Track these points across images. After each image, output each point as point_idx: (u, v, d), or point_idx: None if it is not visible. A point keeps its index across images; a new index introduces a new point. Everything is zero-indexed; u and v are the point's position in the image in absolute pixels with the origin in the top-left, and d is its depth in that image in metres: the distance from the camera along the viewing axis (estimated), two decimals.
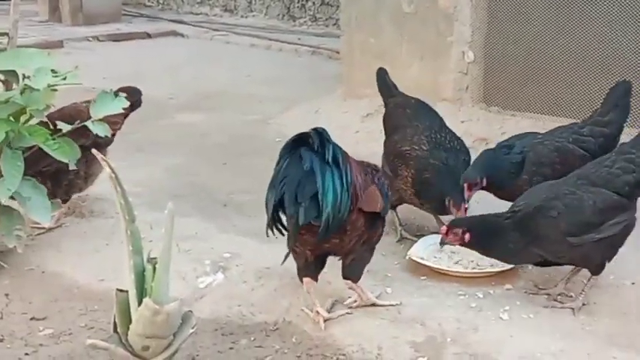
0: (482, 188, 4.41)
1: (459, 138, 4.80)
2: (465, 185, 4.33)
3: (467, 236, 3.84)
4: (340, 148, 3.37)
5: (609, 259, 3.91)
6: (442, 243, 3.96)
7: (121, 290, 2.94)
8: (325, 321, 3.70)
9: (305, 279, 3.65)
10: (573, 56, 5.77)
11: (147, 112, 7.51)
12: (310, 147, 3.29)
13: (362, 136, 6.57)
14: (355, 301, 3.81)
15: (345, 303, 3.84)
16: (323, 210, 3.24)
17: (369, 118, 6.72)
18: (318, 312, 3.71)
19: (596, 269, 3.89)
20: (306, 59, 10.34)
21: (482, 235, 3.84)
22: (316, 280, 3.67)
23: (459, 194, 4.36)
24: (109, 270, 4.09)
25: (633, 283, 4.14)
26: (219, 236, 4.66)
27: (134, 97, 4.89)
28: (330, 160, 3.27)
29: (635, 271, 4.25)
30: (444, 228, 3.93)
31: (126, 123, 6.64)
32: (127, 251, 2.89)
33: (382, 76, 5.26)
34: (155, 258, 2.90)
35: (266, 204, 3.34)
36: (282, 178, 3.25)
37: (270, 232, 3.40)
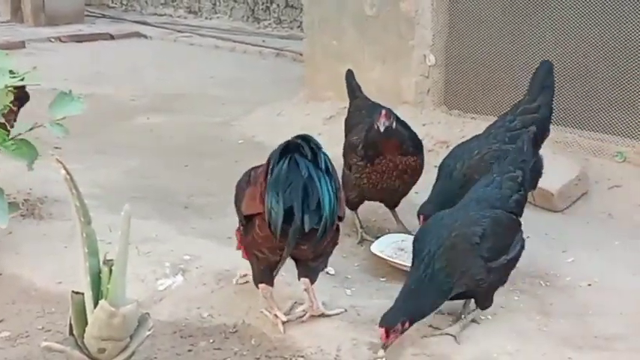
0: None
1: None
2: (421, 217, 4.35)
3: (407, 325, 3.52)
4: (327, 155, 3.39)
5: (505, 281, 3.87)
6: (385, 348, 3.47)
7: (77, 292, 2.92)
8: (284, 323, 3.70)
9: (261, 285, 3.65)
10: (532, 60, 5.81)
11: (108, 114, 7.55)
12: (301, 153, 3.31)
13: (324, 139, 6.41)
14: (304, 312, 3.76)
15: (296, 311, 3.80)
16: (322, 215, 3.28)
17: (332, 120, 6.73)
18: (276, 315, 3.71)
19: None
20: (270, 61, 10.32)
21: (419, 310, 3.57)
22: (272, 285, 3.66)
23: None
24: (67, 272, 4.05)
25: (589, 285, 4.20)
26: (179, 238, 4.64)
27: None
28: (322, 166, 3.31)
29: (590, 273, 4.31)
30: (381, 332, 3.45)
31: (86, 124, 6.64)
32: (82, 253, 2.88)
33: (348, 78, 5.34)
34: (111, 260, 2.88)
35: (270, 212, 3.27)
36: (287, 185, 3.25)
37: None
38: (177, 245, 4.48)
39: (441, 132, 6.21)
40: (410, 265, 4.23)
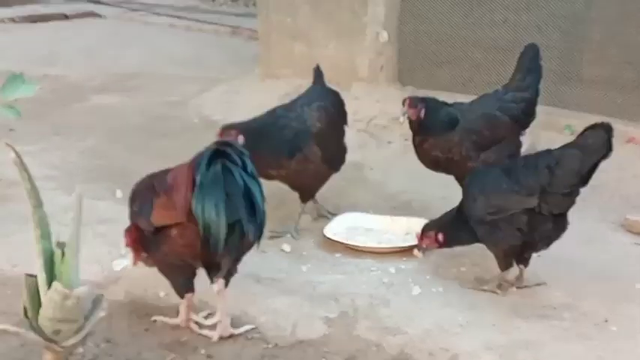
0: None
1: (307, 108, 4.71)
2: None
3: (440, 236, 4.01)
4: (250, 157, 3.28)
5: None
6: (420, 249, 4.12)
7: (30, 275, 2.93)
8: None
9: (187, 295, 3.54)
10: (482, 37, 5.90)
11: (63, 95, 7.49)
12: (230, 159, 3.17)
13: None
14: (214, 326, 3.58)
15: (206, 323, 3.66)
16: (261, 224, 3.23)
17: (287, 98, 6.65)
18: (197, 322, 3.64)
19: None
20: (226, 40, 10.27)
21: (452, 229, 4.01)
22: (194, 290, 3.57)
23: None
24: (22, 255, 4.03)
25: (539, 255, 4.27)
26: None
27: None
28: (250, 171, 3.21)
29: None
30: (418, 234, 4.09)
31: (41, 106, 6.61)
32: (34, 236, 2.89)
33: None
34: (64, 242, 2.90)
35: (208, 224, 3.13)
36: (224, 195, 3.11)
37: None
38: None
39: (395, 108, 6.21)
40: (364, 245, 4.40)
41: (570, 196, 3.75)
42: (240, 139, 4.24)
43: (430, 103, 4.56)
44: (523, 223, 3.76)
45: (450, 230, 4.03)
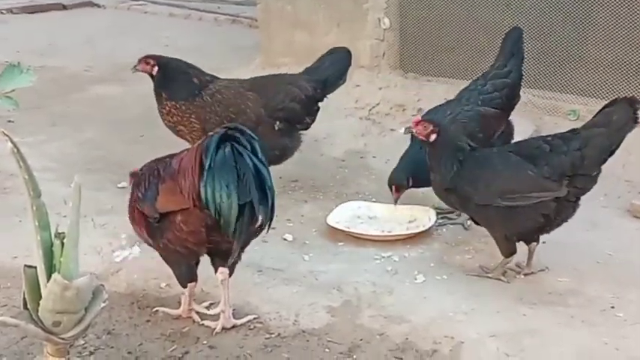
0: (413, 187, 4.46)
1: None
2: (393, 188, 4.44)
3: (433, 136, 3.89)
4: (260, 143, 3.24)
5: None
6: (408, 131, 4.02)
7: (30, 266, 2.89)
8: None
9: (190, 284, 3.52)
10: (485, 20, 5.84)
11: (62, 85, 7.44)
12: (239, 142, 3.12)
13: None
14: (217, 318, 3.54)
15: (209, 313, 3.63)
16: (271, 207, 3.18)
17: None
18: (193, 309, 3.62)
19: None
20: (226, 28, 10.22)
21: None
22: (197, 279, 3.54)
23: None
24: (22, 247, 4.00)
25: (544, 242, 4.24)
26: None
27: None
28: (260, 156, 3.15)
29: None
30: (416, 118, 3.99)
31: (40, 97, 6.56)
32: (33, 227, 2.84)
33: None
34: (63, 233, 2.85)
35: (219, 206, 3.07)
36: (236, 176, 3.05)
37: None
38: None
39: (397, 95, 6.21)
40: (366, 233, 4.34)
41: (596, 177, 3.74)
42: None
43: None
44: (551, 209, 3.74)
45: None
